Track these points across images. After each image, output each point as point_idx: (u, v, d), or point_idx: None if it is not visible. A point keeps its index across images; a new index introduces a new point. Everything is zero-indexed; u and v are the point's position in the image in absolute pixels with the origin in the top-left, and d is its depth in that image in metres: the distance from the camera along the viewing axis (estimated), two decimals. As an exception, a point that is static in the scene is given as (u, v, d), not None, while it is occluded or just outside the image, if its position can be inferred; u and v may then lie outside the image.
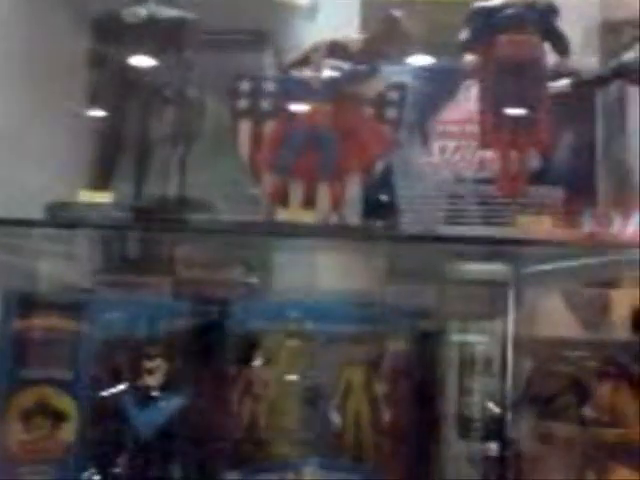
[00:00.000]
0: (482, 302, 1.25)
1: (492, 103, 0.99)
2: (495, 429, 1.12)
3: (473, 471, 1.10)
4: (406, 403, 1.12)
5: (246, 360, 1.13)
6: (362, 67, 0.98)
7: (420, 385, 1.14)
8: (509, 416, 1.13)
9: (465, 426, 1.12)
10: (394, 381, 1.15)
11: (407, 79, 1.18)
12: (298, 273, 1.29)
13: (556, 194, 1.18)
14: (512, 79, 0.98)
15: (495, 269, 1.22)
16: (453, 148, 1.19)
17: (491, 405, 1.12)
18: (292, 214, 0.95)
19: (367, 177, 1.02)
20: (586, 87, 1.04)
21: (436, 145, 1.19)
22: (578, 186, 1.18)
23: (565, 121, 1.20)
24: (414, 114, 1.18)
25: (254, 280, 1.31)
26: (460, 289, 1.22)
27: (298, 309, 1.13)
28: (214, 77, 1.11)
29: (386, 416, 1.12)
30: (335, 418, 1.11)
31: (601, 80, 1.04)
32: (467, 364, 1.14)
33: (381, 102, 1.03)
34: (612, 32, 1.03)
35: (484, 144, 1.02)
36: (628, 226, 1.09)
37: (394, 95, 1.03)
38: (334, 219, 0.96)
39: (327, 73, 0.96)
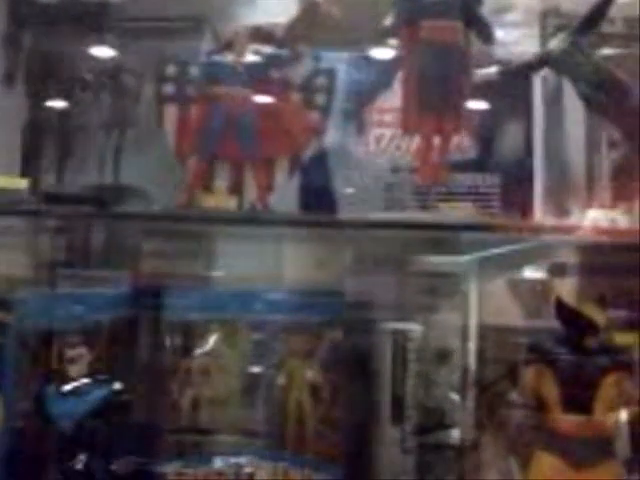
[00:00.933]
0: (431, 292, 1.27)
1: (415, 88, 0.98)
2: (434, 417, 1.15)
3: (407, 458, 1.10)
4: (346, 392, 1.11)
5: (186, 350, 1.14)
6: (285, 52, 0.98)
7: (358, 374, 1.16)
8: (452, 404, 1.13)
9: (399, 413, 1.12)
10: (334, 371, 1.15)
11: (342, 67, 1.18)
12: (240, 262, 1.30)
13: (493, 182, 1.21)
14: (435, 65, 0.97)
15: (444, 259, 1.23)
16: (389, 137, 1.20)
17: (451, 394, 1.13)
18: (215, 200, 0.95)
19: (295, 164, 1.02)
20: (514, 75, 1.04)
21: (372, 134, 1.18)
22: (515, 174, 1.18)
23: (502, 109, 1.22)
24: (350, 102, 1.18)
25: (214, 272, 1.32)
26: (412, 279, 1.23)
27: (238, 299, 1.12)
28: (152, 64, 1.13)
29: (327, 405, 1.11)
30: (276, 408, 1.12)
31: (528, 68, 1.03)
32: (402, 352, 1.15)
33: (309, 88, 1.02)
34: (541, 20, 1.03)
35: (407, 129, 1.02)
36: (585, 220, 1.12)
37: (323, 81, 1.03)
38: (259, 206, 0.97)
39: (249, 58, 0.97)
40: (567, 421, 0.93)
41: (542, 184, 1.20)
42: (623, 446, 0.93)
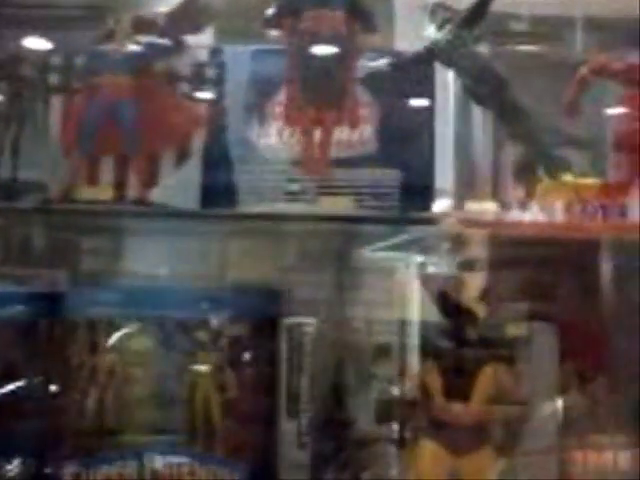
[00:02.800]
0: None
1: (296, 80, 0.98)
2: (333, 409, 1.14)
3: (302, 451, 1.10)
4: (252, 387, 1.12)
5: (91, 348, 1.13)
6: (165, 42, 0.97)
7: (263, 368, 1.14)
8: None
9: (295, 408, 1.11)
10: (240, 365, 1.15)
11: (246, 60, 1.18)
12: (146, 258, 1.29)
13: (393, 177, 1.21)
14: (317, 55, 0.98)
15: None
16: (291, 130, 1.21)
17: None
18: (94, 193, 0.94)
19: (181, 157, 1.01)
20: (404, 67, 1.03)
21: (274, 127, 1.16)
22: (415, 169, 1.19)
23: (402, 102, 1.23)
24: (252, 96, 1.18)
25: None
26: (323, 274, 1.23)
27: (144, 295, 1.11)
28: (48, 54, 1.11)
29: (234, 401, 1.11)
30: (184, 405, 1.11)
31: (417, 60, 1.03)
32: (298, 346, 1.15)
33: (197, 79, 1.02)
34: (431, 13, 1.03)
35: (288, 121, 1.02)
36: (526, 214, 1.11)
37: (211, 72, 1.02)
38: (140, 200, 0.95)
39: (130, 47, 0.96)
40: (448, 410, 0.95)
41: (447, 179, 1.21)
42: (497, 434, 0.94)
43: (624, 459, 1.22)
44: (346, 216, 0.94)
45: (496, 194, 1.21)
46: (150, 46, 0.95)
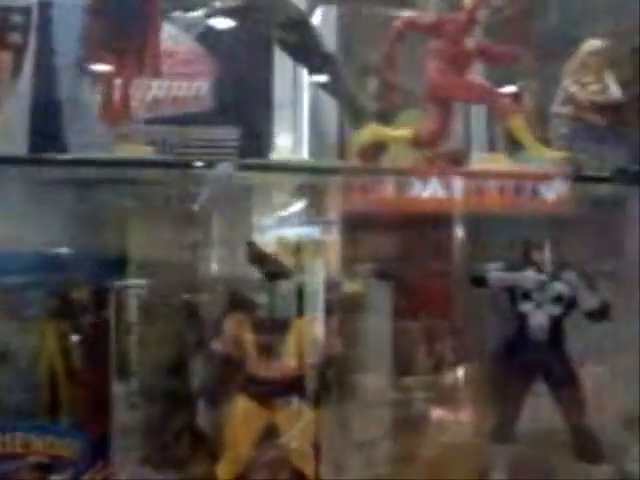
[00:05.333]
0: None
1: (98, 29, 0.94)
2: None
3: (134, 411, 1.08)
4: (93, 353, 1.09)
5: None
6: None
7: (102, 334, 1.13)
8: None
9: (124, 369, 1.09)
10: (81, 331, 1.12)
11: (77, 13, 1.16)
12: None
13: (231, 134, 1.19)
14: (115, 6, 0.93)
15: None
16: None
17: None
18: None
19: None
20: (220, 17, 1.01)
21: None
22: (253, 125, 1.17)
23: (239, 59, 1.21)
24: (82, 50, 1.15)
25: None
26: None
27: None
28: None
29: (78, 368, 1.09)
30: (28, 374, 1.08)
31: (233, 13, 1.01)
32: (129, 309, 1.12)
33: (3, 26, 0.97)
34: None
35: (89, 70, 0.98)
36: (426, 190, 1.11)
37: (18, 19, 0.97)
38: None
39: None
40: (260, 365, 0.94)
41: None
42: (312, 385, 0.94)
43: (467, 415, 1.26)
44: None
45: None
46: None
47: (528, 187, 1.21)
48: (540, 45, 1.30)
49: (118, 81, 0.94)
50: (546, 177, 0.94)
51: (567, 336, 1.21)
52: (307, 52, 0.95)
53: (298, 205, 1.33)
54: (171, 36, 1.20)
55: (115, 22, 0.93)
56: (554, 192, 1.21)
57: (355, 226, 1.30)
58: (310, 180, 1.21)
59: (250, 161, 1.00)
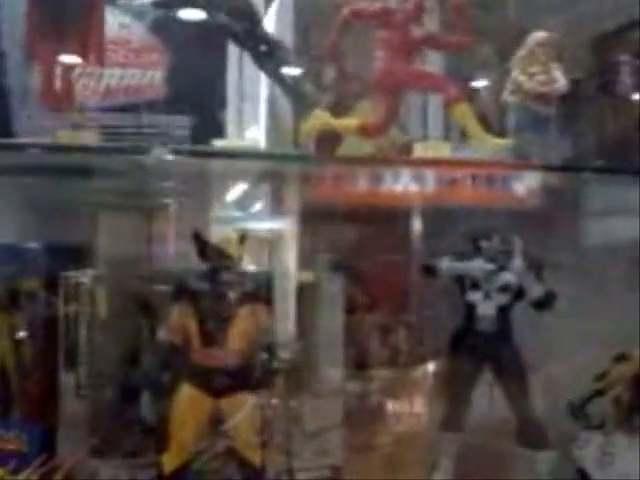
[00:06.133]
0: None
1: (39, 14, 0.92)
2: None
3: (83, 402, 1.07)
4: (44, 343, 1.09)
5: None
6: None
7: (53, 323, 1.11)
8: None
9: (73, 359, 1.08)
10: (31, 322, 1.11)
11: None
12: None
13: (183, 123, 1.18)
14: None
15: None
16: (76, 75, 1.16)
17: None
18: None
19: None
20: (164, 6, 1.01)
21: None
22: (206, 115, 1.18)
23: (193, 48, 1.20)
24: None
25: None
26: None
27: None
28: None
29: (29, 359, 1.08)
30: None
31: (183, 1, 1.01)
32: (78, 298, 1.10)
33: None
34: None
35: (30, 55, 0.96)
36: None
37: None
38: None
39: None
40: (204, 353, 0.93)
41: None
42: (257, 374, 0.94)
43: (421, 405, 1.27)
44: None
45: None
46: None
47: (499, 180, 1.24)
48: (499, 38, 1.32)
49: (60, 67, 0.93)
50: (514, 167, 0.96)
51: (521, 327, 1.25)
52: (253, 40, 0.95)
53: (257, 196, 1.34)
54: (123, 25, 1.20)
55: (56, 7, 0.91)
56: (523, 185, 1.24)
57: (313, 217, 1.31)
58: (269, 170, 1.22)
59: (187, 147, 0.99)
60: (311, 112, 0.96)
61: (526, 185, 1.23)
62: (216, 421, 0.95)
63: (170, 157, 0.87)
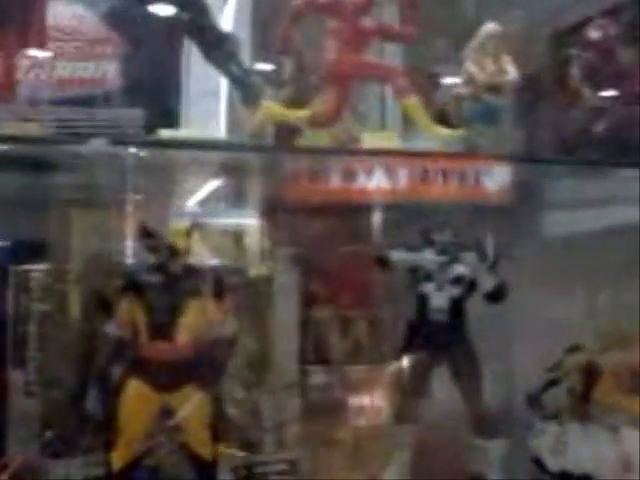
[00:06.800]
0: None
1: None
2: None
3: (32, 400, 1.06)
4: None
5: None
6: None
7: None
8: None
9: (21, 356, 1.06)
10: None
11: None
12: None
13: (137, 116, 1.17)
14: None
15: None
16: (26, 66, 1.14)
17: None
18: None
19: None
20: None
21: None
22: (160, 108, 1.16)
23: (148, 41, 1.19)
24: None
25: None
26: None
27: None
28: None
29: None
30: None
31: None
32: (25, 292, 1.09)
33: None
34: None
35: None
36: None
37: None
38: None
39: None
40: (153, 347, 0.92)
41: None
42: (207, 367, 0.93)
43: (381, 398, 1.27)
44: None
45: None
46: None
47: (471, 175, 1.24)
48: (456, 32, 1.33)
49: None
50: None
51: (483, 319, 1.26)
52: (200, 30, 0.94)
53: (218, 189, 1.33)
54: (76, 15, 1.19)
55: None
56: (495, 181, 1.24)
57: (274, 210, 1.30)
58: (229, 163, 1.21)
59: (128, 138, 0.97)
60: (257, 104, 0.95)
61: (498, 181, 1.24)
62: (166, 416, 0.94)
63: (109, 148, 0.86)
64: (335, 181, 1.21)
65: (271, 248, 1.26)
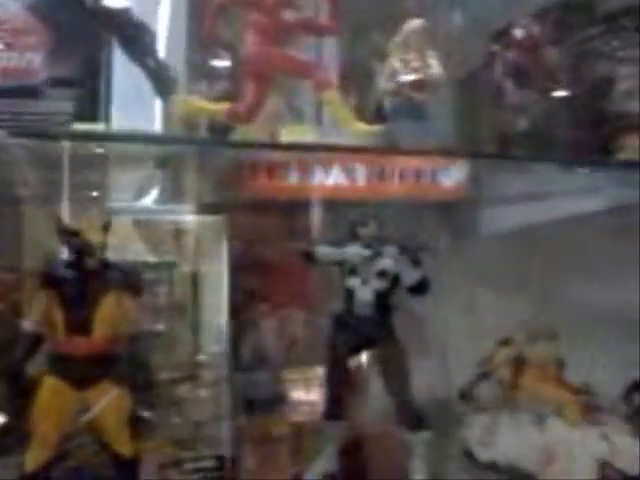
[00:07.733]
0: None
1: None
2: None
3: None
4: None
5: None
6: None
7: None
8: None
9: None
10: None
11: None
12: None
13: (63, 108, 1.15)
14: None
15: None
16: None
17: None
18: None
19: None
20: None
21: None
22: (87, 101, 1.14)
23: (73, 32, 1.16)
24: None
25: None
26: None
27: None
28: None
29: None
30: None
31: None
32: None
33: None
34: None
35: None
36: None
37: None
38: None
39: None
40: (69, 342, 0.90)
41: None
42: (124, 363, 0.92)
43: (316, 393, 1.27)
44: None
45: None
46: None
47: (428, 173, 1.24)
48: (395, 28, 1.33)
49: None
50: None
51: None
52: (117, 23, 0.93)
53: (154, 185, 1.32)
54: (0, 4, 1.17)
55: None
56: (451, 178, 1.25)
57: (213, 206, 1.29)
58: (163, 157, 1.19)
59: (29, 130, 0.95)
60: (171, 97, 0.94)
61: (454, 178, 1.24)
62: (82, 413, 0.93)
63: (11, 140, 0.84)
64: (265, 175, 1.21)
65: (207, 244, 1.27)
